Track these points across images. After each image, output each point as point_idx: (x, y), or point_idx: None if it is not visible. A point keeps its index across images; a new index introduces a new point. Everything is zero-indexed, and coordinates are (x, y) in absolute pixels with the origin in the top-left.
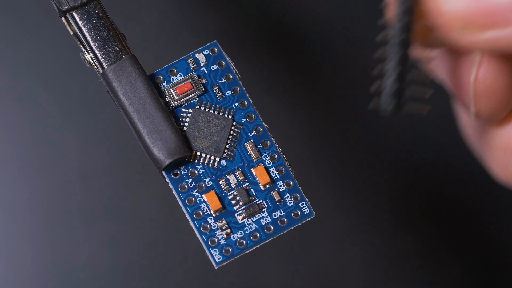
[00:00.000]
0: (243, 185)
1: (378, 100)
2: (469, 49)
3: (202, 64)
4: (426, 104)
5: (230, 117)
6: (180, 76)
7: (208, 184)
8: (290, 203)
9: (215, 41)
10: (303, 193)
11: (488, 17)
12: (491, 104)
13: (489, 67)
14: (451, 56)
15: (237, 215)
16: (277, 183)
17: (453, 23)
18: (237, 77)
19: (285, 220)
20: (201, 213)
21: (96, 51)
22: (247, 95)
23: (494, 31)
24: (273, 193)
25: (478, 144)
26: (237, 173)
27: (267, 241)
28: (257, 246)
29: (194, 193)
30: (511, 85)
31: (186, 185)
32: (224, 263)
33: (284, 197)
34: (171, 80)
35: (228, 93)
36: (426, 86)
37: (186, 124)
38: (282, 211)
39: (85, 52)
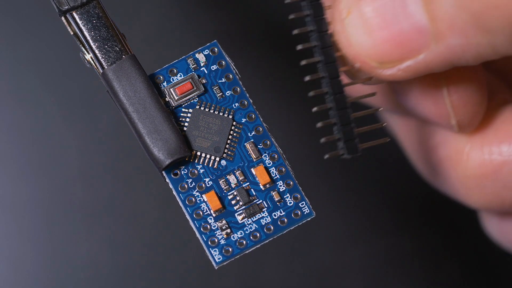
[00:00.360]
0: (243, 185)
1: (335, 150)
2: (395, 80)
3: (202, 64)
4: (383, 135)
5: (230, 117)
6: (180, 76)
7: (208, 184)
8: (290, 203)
9: (215, 41)
10: (303, 193)
11: (398, 49)
12: (469, 110)
13: (456, 76)
14: (412, 84)
15: (237, 215)
16: (277, 183)
17: (370, 62)
18: (237, 77)
19: (285, 220)
20: (201, 213)
21: (96, 51)
22: (247, 95)
23: (409, 60)
24: (273, 193)
25: (442, 182)
26: (237, 173)
27: (267, 241)
28: (257, 246)
29: (194, 193)
30: (481, 87)
31: (186, 185)
32: (224, 263)
33: (284, 197)
34: (171, 80)
35: (228, 93)
36: (376, 124)
37: (186, 124)
38: (282, 211)
39: (85, 52)
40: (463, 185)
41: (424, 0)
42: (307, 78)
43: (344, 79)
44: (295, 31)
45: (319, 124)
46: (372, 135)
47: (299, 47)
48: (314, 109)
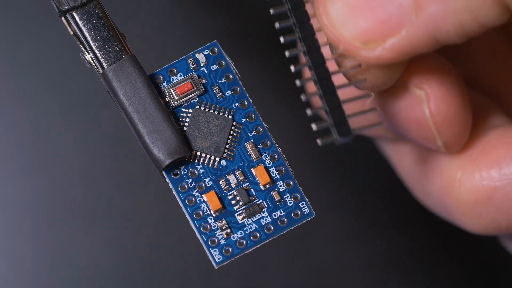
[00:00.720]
0: (243, 185)
1: (327, 136)
2: (382, 62)
3: (202, 64)
4: (374, 115)
5: (230, 117)
6: (180, 76)
7: (208, 184)
8: (290, 203)
9: (215, 41)
10: (303, 193)
11: (380, 27)
12: (454, 130)
13: (437, 97)
14: (396, 108)
15: (237, 215)
16: (277, 183)
17: (354, 44)
18: (237, 77)
19: (285, 220)
20: (201, 213)
21: (96, 51)
22: (247, 95)
23: (392, 38)
24: (273, 193)
25: (437, 208)
26: (237, 173)
27: (267, 241)
28: (257, 246)
29: (194, 193)
30: (464, 105)
31: (186, 185)
32: (224, 263)
33: (284, 197)
34: (171, 80)
35: (228, 93)
36: (365, 103)
37: (186, 124)
38: (282, 211)
39: (85, 52)
40: (458, 212)
41: None
42: (292, 69)
43: (331, 66)
44: (277, 25)
45: (308, 112)
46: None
47: (282, 39)
48: (292, 68)
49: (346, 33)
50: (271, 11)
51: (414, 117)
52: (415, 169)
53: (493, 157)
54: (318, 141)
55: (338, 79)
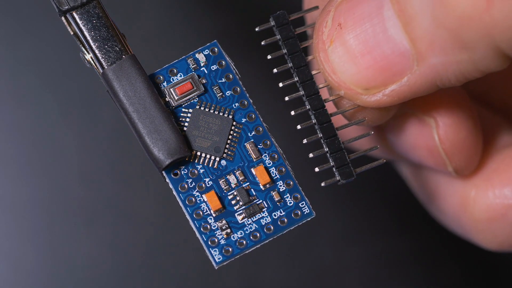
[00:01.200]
0: (243, 185)
1: (331, 178)
2: (381, 106)
3: (202, 64)
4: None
5: (230, 117)
6: (180, 76)
7: (208, 184)
8: (290, 203)
9: (215, 41)
10: (303, 193)
11: (382, 74)
12: (464, 155)
13: (446, 124)
14: (406, 135)
15: (237, 215)
16: (277, 183)
17: (354, 89)
18: (237, 77)
19: (285, 220)
20: (201, 213)
21: (96, 51)
22: (247, 95)
23: (393, 85)
24: (273, 193)
25: (453, 225)
26: (237, 173)
27: (267, 241)
28: (257, 246)
29: (194, 193)
30: (474, 130)
31: (186, 185)
32: (224, 263)
33: (284, 197)
34: (171, 80)
35: (228, 93)
36: (369, 149)
37: (186, 124)
38: (282, 211)
39: (85, 52)
40: (473, 229)
41: (402, 22)
42: (292, 113)
43: (331, 108)
44: (275, 70)
45: (310, 155)
46: (367, 158)
47: (280, 84)
48: (299, 127)
49: (347, 80)
50: (268, 57)
51: (424, 144)
52: (429, 188)
53: (506, 175)
54: (322, 184)
55: (333, 108)
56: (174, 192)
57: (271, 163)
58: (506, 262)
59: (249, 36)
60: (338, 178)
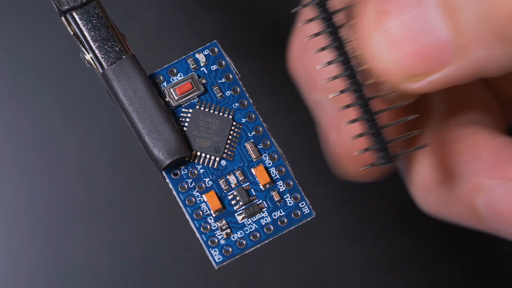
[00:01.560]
0: (243, 185)
1: (373, 162)
2: (420, 92)
3: (202, 64)
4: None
5: (230, 117)
6: (180, 76)
7: (208, 184)
8: (290, 203)
9: (215, 41)
10: (303, 193)
11: (424, 64)
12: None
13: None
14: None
15: (237, 215)
16: (277, 183)
17: (397, 77)
18: (237, 77)
19: (285, 220)
20: (201, 213)
21: (96, 51)
22: (247, 95)
23: (435, 74)
24: (273, 193)
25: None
26: (237, 173)
27: (267, 241)
28: (257, 246)
29: (194, 193)
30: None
31: (186, 185)
32: (224, 263)
33: (284, 197)
34: (171, 80)
35: (228, 93)
36: (409, 133)
37: (186, 124)
38: (282, 211)
39: (85, 52)
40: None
41: (447, 13)
42: (334, 95)
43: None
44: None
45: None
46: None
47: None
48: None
49: (390, 66)
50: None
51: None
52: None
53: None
54: (362, 167)
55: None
56: (174, 192)
57: (271, 163)
58: (506, 262)
59: (249, 36)
60: (383, 161)
